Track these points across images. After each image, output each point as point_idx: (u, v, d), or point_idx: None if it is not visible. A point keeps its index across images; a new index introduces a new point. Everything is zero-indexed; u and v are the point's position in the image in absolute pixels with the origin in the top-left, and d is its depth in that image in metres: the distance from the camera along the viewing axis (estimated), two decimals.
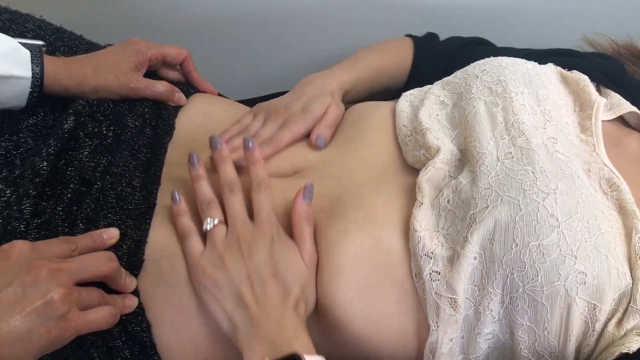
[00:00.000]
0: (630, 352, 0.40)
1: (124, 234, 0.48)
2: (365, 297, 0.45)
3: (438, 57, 0.66)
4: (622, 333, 0.41)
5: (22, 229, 0.47)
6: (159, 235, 0.49)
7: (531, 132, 0.47)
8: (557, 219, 0.41)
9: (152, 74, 0.63)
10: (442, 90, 0.55)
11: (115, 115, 0.57)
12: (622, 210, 0.45)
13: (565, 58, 0.57)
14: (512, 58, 0.54)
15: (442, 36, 0.72)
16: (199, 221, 0.48)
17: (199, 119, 0.60)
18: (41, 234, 0.48)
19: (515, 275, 0.41)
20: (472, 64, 0.55)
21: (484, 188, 0.44)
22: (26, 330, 0.38)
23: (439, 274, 0.43)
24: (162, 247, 0.48)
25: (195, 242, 0.47)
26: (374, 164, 0.52)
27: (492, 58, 0.54)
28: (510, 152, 0.46)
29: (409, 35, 0.71)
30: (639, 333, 0.41)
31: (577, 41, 0.68)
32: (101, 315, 0.43)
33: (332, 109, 0.57)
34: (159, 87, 0.59)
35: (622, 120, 0.55)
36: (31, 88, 0.53)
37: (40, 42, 0.55)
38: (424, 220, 0.45)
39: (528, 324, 0.42)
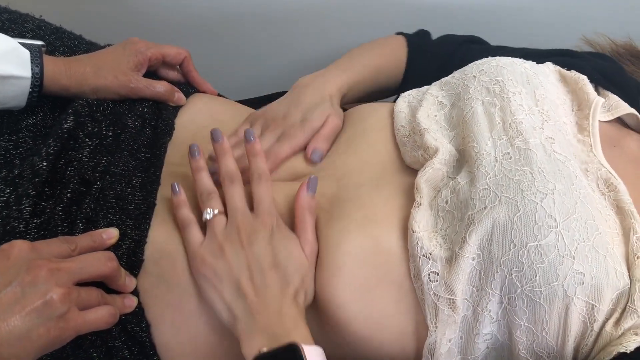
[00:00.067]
0: (628, 351, 0.40)
1: (124, 234, 0.48)
2: (365, 297, 0.45)
3: (432, 55, 0.66)
4: (620, 333, 0.41)
5: (22, 228, 0.47)
6: (158, 235, 0.49)
7: (529, 132, 0.47)
8: (555, 220, 0.41)
9: (151, 74, 0.63)
10: (440, 90, 0.55)
11: (114, 115, 0.57)
12: (619, 210, 0.45)
13: (563, 58, 0.57)
14: (510, 58, 0.54)
15: None
16: (199, 215, 0.48)
17: (198, 119, 0.60)
18: (40, 234, 0.48)
19: (513, 276, 0.41)
20: (470, 64, 0.55)
21: (482, 189, 0.44)
22: (25, 330, 0.38)
23: (438, 274, 0.44)
24: (161, 247, 0.49)
25: (195, 232, 0.47)
26: (373, 164, 0.52)
27: (490, 58, 0.54)
28: (508, 153, 0.46)
29: (400, 33, 0.70)
30: (636, 332, 0.41)
31: (577, 41, 0.68)
32: (101, 315, 0.43)
33: (332, 120, 0.56)
34: (159, 87, 0.59)
35: (620, 121, 0.55)
36: (31, 88, 0.53)
37: (39, 42, 0.55)
38: (423, 221, 0.45)
39: (526, 324, 0.42)
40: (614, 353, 0.40)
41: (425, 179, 0.48)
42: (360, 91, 0.63)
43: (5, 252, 0.41)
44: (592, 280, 0.41)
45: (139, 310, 0.47)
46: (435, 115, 0.53)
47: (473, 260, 0.43)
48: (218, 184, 0.50)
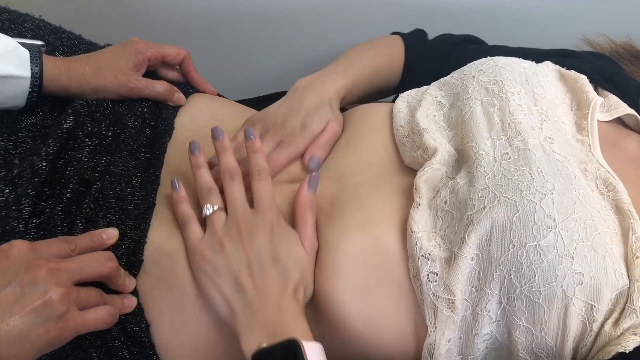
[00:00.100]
0: (627, 351, 0.40)
1: (123, 234, 0.48)
2: (364, 297, 0.45)
3: (429, 56, 0.66)
4: (619, 333, 0.41)
5: (21, 228, 0.47)
6: (158, 236, 0.49)
7: (528, 132, 0.47)
8: (554, 220, 0.41)
9: (151, 73, 0.63)
10: (439, 90, 0.55)
11: (114, 115, 0.57)
12: (618, 210, 0.45)
13: (562, 59, 0.57)
14: (509, 57, 0.54)
15: None
16: (198, 213, 0.48)
17: (198, 118, 0.60)
18: (40, 234, 0.48)
19: (512, 276, 0.41)
20: (468, 64, 0.55)
21: (481, 189, 0.44)
22: (25, 330, 0.38)
23: (437, 275, 0.44)
24: (161, 248, 0.49)
25: (195, 228, 0.47)
26: (373, 164, 0.52)
27: (488, 58, 0.54)
28: (507, 153, 0.46)
29: (396, 33, 0.69)
30: (635, 332, 0.41)
31: (576, 41, 0.68)
32: (100, 315, 0.43)
33: (331, 126, 0.55)
34: (158, 87, 0.59)
35: (620, 121, 0.55)
36: (30, 88, 0.53)
37: (39, 42, 0.55)
38: (422, 221, 0.45)
39: (525, 324, 0.42)
40: (613, 353, 0.40)
41: (424, 179, 0.48)
42: (358, 93, 0.62)
43: (5, 252, 0.41)
44: (591, 280, 0.41)
45: (139, 310, 0.47)
46: (434, 116, 0.53)
47: (472, 260, 0.43)
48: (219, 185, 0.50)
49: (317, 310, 0.47)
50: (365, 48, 0.65)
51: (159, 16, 0.91)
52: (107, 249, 0.47)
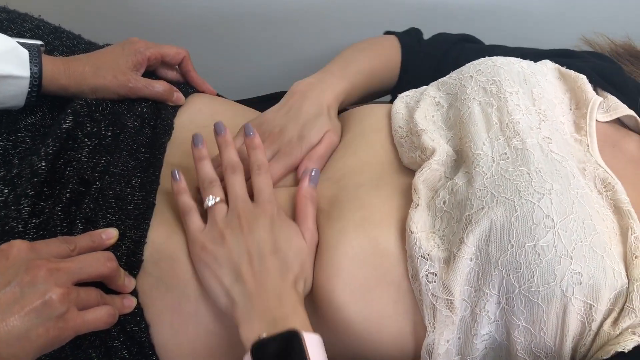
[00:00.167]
0: (626, 351, 0.40)
1: (123, 234, 0.48)
2: (363, 298, 0.45)
3: (426, 55, 0.65)
4: (618, 332, 0.41)
5: (20, 229, 0.47)
6: (158, 236, 0.49)
7: (526, 132, 0.47)
8: (553, 220, 0.41)
9: (150, 73, 0.63)
10: (438, 91, 0.55)
11: (114, 115, 0.57)
12: (617, 210, 0.45)
13: (561, 59, 0.57)
14: (507, 57, 0.54)
15: None
16: (198, 205, 0.48)
17: (198, 118, 0.60)
18: (39, 234, 0.48)
19: (511, 276, 0.41)
20: (467, 65, 0.55)
21: (480, 189, 0.44)
22: (25, 330, 0.38)
23: (435, 275, 0.44)
24: (161, 248, 0.49)
25: (195, 219, 0.47)
26: (373, 165, 0.52)
27: (487, 58, 0.54)
28: (505, 153, 0.46)
29: (391, 32, 0.69)
30: (634, 332, 0.41)
31: (576, 41, 0.68)
32: (100, 315, 0.43)
33: (329, 136, 0.54)
34: (158, 87, 0.59)
35: (620, 122, 0.55)
36: (30, 88, 0.53)
37: (38, 42, 0.55)
38: (420, 222, 0.46)
39: (524, 324, 0.42)
40: (612, 352, 0.40)
41: (423, 180, 0.48)
42: (356, 96, 0.62)
43: (4, 252, 0.41)
44: (590, 280, 0.41)
45: (138, 310, 0.47)
46: (433, 116, 0.53)
47: (471, 260, 0.43)
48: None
49: (316, 310, 0.47)
50: (360, 49, 0.64)
51: (159, 16, 0.91)
52: (107, 249, 0.47)
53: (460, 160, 0.49)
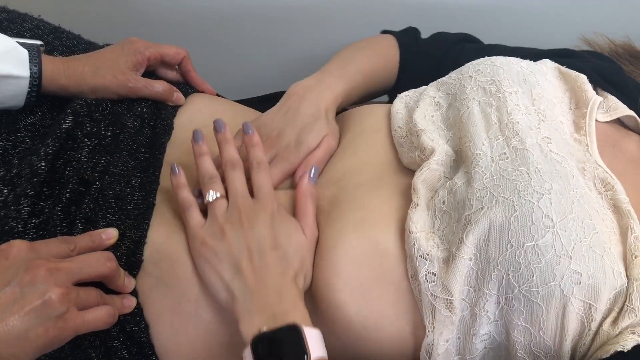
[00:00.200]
0: (625, 350, 0.40)
1: (123, 234, 0.48)
2: (363, 298, 0.45)
3: (424, 54, 0.65)
4: (617, 332, 0.41)
5: (20, 229, 0.47)
6: (158, 236, 0.49)
7: (525, 132, 0.47)
8: (552, 220, 0.41)
9: (150, 73, 0.63)
10: (437, 91, 0.55)
11: (113, 115, 0.57)
12: (617, 209, 0.45)
13: (561, 59, 0.57)
14: (506, 57, 0.54)
15: None
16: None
17: (197, 118, 0.60)
18: (39, 234, 0.48)
19: (510, 276, 0.41)
20: (466, 64, 0.55)
21: (479, 189, 0.44)
22: (24, 330, 0.38)
23: (435, 275, 0.44)
24: (161, 248, 0.49)
25: (195, 214, 0.48)
26: (373, 165, 0.52)
27: (486, 57, 0.54)
28: (505, 153, 0.46)
29: (388, 32, 0.68)
30: (633, 331, 0.41)
31: (576, 41, 0.68)
32: (99, 315, 0.43)
33: (327, 141, 0.54)
34: (158, 87, 0.59)
35: (620, 122, 0.55)
36: (29, 88, 0.53)
37: (38, 42, 0.55)
38: (420, 222, 0.46)
39: (524, 324, 0.42)
40: (611, 352, 0.40)
41: (422, 180, 0.48)
42: (355, 97, 0.61)
43: (4, 252, 0.41)
44: (589, 279, 0.41)
45: (138, 310, 0.47)
46: (432, 116, 0.53)
47: (470, 260, 0.43)
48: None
49: (316, 310, 0.47)
50: (358, 50, 0.64)
51: (158, 16, 0.91)
52: (107, 249, 0.47)
53: (460, 160, 0.49)
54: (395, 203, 0.48)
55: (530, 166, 0.44)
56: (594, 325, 0.42)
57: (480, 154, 0.46)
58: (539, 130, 0.47)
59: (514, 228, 0.41)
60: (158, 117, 0.59)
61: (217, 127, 0.51)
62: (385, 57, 0.65)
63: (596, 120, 0.52)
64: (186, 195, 0.48)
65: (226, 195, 0.48)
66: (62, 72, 0.55)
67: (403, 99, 0.57)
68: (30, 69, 0.52)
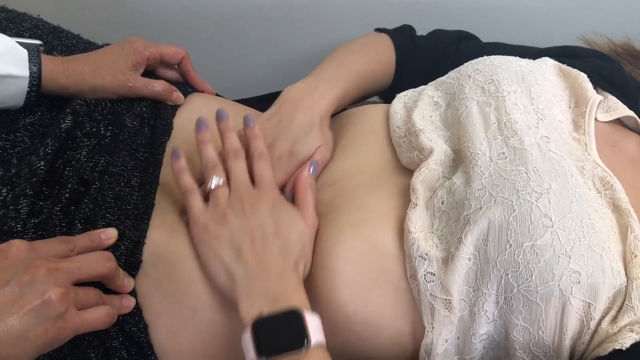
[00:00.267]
0: (624, 348, 0.40)
1: (122, 234, 0.48)
2: (362, 298, 0.45)
3: (421, 53, 0.65)
4: (616, 330, 0.41)
5: (19, 228, 0.47)
6: (157, 237, 0.49)
7: (524, 131, 0.47)
8: (551, 219, 0.41)
9: (150, 73, 0.63)
10: (436, 91, 0.55)
11: (113, 115, 0.57)
12: (616, 208, 0.45)
13: (561, 59, 0.57)
14: (505, 56, 0.54)
15: None
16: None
17: (197, 118, 0.60)
18: (38, 234, 0.47)
19: (509, 276, 0.41)
20: (465, 64, 0.55)
21: (478, 189, 0.44)
22: (23, 329, 0.38)
23: (434, 275, 0.44)
24: (160, 249, 0.48)
25: (197, 199, 0.48)
26: (372, 165, 0.52)
27: (485, 57, 0.54)
28: (504, 153, 0.46)
29: (382, 30, 0.67)
30: (632, 329, 0.41)
31: (575, 41, 0.68)
32: (99, 315, 0.43)
33: (320, 152, 0.53)
34: (157, 86, 0.59)
35: (620, 122, 0.55)
36: (29, 87, 0.53)
37: (37, 42, 0.55)
38: (419, 222, 0.46)
39: (523, 324, 0.42)
40: (610, 350, 0.40)
41: (421, 180, 0.48)
42: (349, 100, 0.60)
43: (3, 251, 0.41)
44: (588, 279, 0.41)
45: (137, 310, 0.47)
46: (431, 116, 0.53)
47: (469, 260, 0.43)
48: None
49: (315, 310, 0.47)
50: (352, 50, 0.63)
51: (158, 16, 0.91)
52: (106, 249, 0.47)
53: (459, 159, 0.49)
54: (394, 203, 0.48)
55: (528, 166, 0.44)
56: (593, 324, 0.42)
57: (479, 154, 0.46)
58: (537, 130, 0.47)
59: (513, 228, 0.41)
60: (157, 117, 0.58)
61: (220, 116, 0.51)
62: (380, 57, 0.64)
63: (596, 119, 0.52)
64: (187, 180, 0.48)
65: (228, 184, 0.48)
66: (62, 71, 0.55)
67: (402, 99, 0.56)
68: (29, 68, 0.52)
